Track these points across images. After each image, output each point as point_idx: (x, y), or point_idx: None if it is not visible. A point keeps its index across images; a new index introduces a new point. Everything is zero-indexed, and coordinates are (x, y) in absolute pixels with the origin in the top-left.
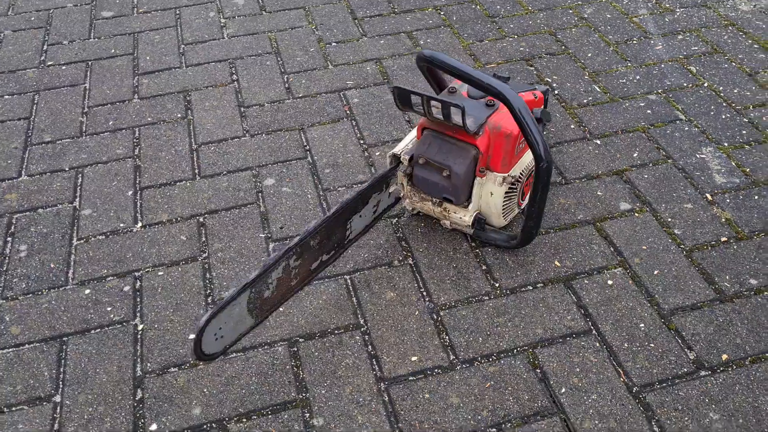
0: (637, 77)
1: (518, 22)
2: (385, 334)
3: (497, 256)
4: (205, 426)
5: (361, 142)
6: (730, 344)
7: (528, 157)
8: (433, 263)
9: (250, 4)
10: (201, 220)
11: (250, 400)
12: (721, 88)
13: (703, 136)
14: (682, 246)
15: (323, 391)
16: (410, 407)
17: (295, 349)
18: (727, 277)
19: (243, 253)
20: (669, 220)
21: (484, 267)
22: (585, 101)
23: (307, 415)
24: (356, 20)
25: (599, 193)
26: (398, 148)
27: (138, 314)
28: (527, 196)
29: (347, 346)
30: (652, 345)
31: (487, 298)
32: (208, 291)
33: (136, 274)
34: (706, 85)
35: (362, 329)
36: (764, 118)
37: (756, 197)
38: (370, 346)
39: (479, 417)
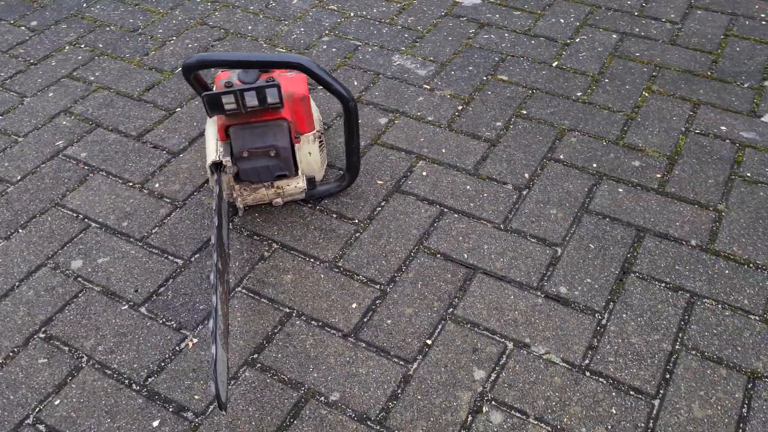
0: (302, 29)
1: (164, 26)
2: (315, 305)
3: (335, 202)
4: None
5: (130, 183)
6: (521, 164)
7: (315, 111)
8: (296, 236)
9: None
10: (43, 335)
11: (266, 423)
12: (363, 12)
13: (384, 49)
14: (442, 125)
15: (316, 375)
16: (385, 338)
17: (260, 365)
18: (484, 129)
19: (123, 332)
20: (418, 113)
21: (334, 215)
22: None
23: (323, 398)
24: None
25: (360, 121)
26: (212, 156)
27: None
28: (344, 138)
29: (297, 334)
30: (482, 191)
31: (359, 233)
32: (127, 381)
33: (29, 420)
34: (352, 14)
35: (294, 314)
36: (409, 20)
37: (453, 72)
38: (313, 321)
39: (435, 308)
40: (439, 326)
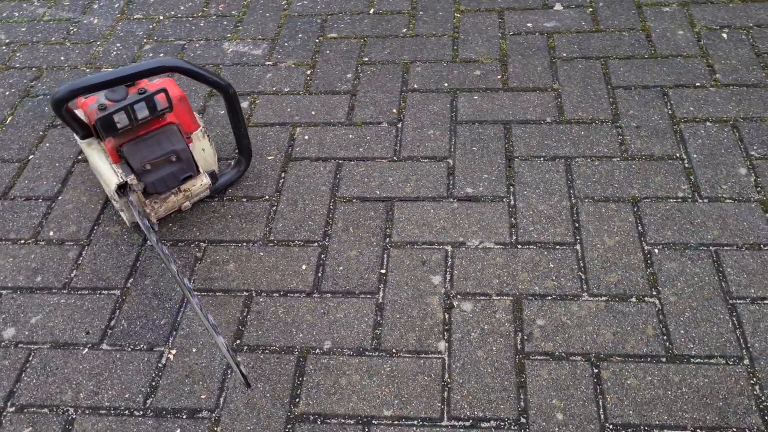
0: (118, 44)
1: None
2: (269, 279)
3: (239, 189)
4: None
5: (22, 241)
6: (385, 103)
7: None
8: (218, 229)
9: None
10: (13, 408)
11: (279, 390)
12: (172, 12)
13: (212, 41)
14: (300, 92)
15: (301, 335)
16: (345, 282)
17: (246, 347)
18: (338, 84)
19: (97, 372)
20: (273, 89)
21: (245, 199)
22: None
23: (318, 350)
24: None
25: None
26: (115, 180)
27: None
28: (231, 124)
29: (266, 309)
30: (364, 136)
31: (275, 207)
32: (127, 411)
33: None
34: (161, 17)
35: (254, 294)
36: (220, 8)
37: (286, 44)
38: (275, 294)
39: (374, 243)
40: (385, 255)
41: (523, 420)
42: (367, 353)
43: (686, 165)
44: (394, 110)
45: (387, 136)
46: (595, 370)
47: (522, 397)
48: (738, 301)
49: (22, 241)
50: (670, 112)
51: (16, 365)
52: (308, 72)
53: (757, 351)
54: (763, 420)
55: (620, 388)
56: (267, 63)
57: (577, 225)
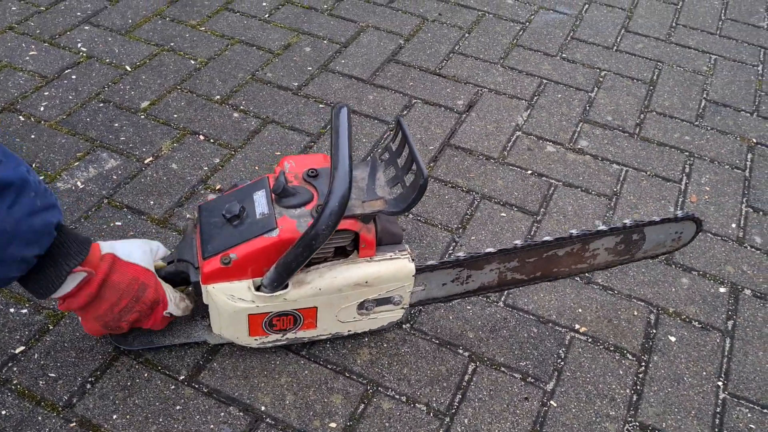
0: None
1: None
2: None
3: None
4: None
5: None
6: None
7: None
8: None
9: None
10: None
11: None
12: None
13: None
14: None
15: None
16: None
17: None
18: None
19: None
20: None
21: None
22: None
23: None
24: None
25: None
26: (408, 260)
27: None
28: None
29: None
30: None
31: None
32: None
33: None
34: None
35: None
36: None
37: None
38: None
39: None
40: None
41: None
42: None
43: None
44: (375, 80)
45: (421, 87)
46: None
47: None
48: None
49: None
50: None
51: None
52: (234, 150)
53: None
54: None
55: None
56: (181, 126)
57: None
